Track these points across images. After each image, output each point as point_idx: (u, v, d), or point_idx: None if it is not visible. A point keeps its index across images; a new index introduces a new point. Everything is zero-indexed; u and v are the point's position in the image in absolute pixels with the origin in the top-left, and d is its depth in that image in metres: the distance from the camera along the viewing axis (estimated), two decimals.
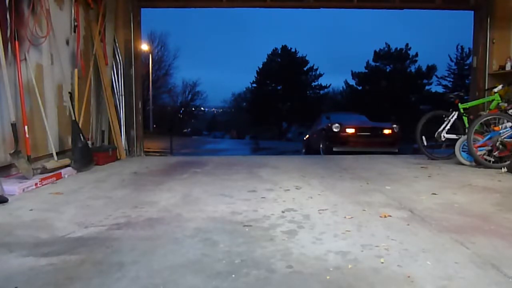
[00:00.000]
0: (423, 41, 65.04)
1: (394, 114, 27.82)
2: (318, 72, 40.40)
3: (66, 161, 4.14)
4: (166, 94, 38.63)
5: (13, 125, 3.41)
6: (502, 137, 4.52)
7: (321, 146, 9.15)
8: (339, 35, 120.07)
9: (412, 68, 35.39)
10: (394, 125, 9.06)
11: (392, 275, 1.59)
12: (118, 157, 5.42)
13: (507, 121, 4.60)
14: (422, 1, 6.75)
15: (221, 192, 3.20)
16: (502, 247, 1.92)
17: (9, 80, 3.41)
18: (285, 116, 39.92)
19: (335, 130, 8.62)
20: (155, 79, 33.70)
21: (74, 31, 4.86)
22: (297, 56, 40.09)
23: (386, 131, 8.90)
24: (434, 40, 72.09)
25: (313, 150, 9.94)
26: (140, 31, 6.29)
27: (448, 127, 5.23)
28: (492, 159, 4.56)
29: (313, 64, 40.19)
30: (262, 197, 3.00)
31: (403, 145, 9.01)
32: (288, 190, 3.29)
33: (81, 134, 4.43)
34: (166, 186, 3.48)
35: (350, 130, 8.66)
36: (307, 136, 12.21)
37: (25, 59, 3.77)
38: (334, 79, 62.90)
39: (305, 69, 40.08)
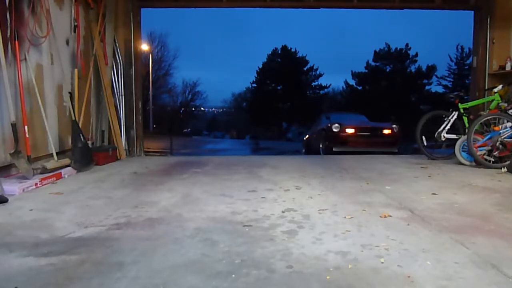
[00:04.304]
0: (423, 41, 65.06)
1: (394, 114, 27.83)
2: (318, 72, 40.46)
3: (66, 161, 4.14)
4: (166, 94, 38.70)
5: (13, 125, 3.41)
6: (502, 137, 4.51)
7: (321, 146, 9.14)
8: (339, 35, 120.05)
9: (412, 68, 35.43)
10: (394, 125, 9.06)
11: (392, 275, 1.59)
12: (118, 157, 5.42)
13: (507, 121, 4.60)
14: (422, 1, 6.75)
15: (221, 192, 3.20)
16: (502, 247, 1.92)
17: (9, 80, 3.41)
18: (285, 116, 39.92)
19: (334, 130, 8.62)
20: (155, 79, 33.69)
21: (74, 31, 4.86)
22: (297, 56, 40.09)
23: (386, 131, 8.89)
24: (434, 40, 72.17)
25: (313, 150, 9.93)
26: (140, 31, 6.30)
27: (448, 127, 5.23)
28: (492, 159, 4.56)
29: (313, 64, 40.27)
30: (262, 197, 3.00)
31: (403, 145, 9.00)
32: (288, 190, 3.29)
33: (81, 134, 4.43)
34: (166, 186, 3.48)
35: (350, 130, 8.66)
36: (307, 136, 12.21)
37: (25, 59, 3.77)
38: (334, 79, 62.96)
39: (305, 69, 40.08)
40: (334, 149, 8.33)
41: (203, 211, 2.60)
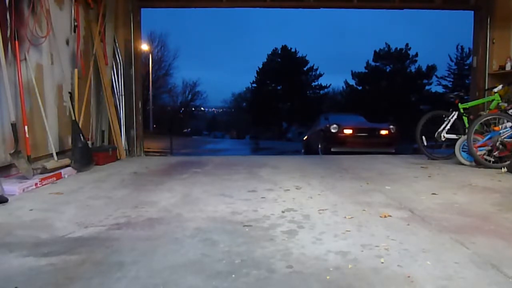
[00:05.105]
0: (423, 41, 65.10)
1: (394, 114, 27.84)
2: (318, 72, 40.46)
3: (66, 161, 4.14)
4: (166, 94, 38.72)
5: (13, 125, 3.41)
6: (502, 137, 4.51)
7: (319, 146, 9.18)
8: (339, 35, 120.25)
9: (412, 68, 35.42)
10: (391, 126, 9.12)
11: (392, 275, 1.59)
12: (118, 157, 5.42)
13: (507, 121, 4.60)
14: (422, 1, 6.75)
15: (221, 192, 3.20)
16: (502, 247, 1.92)
17: (9, 80, 3.41)
18: (285, 116, 39.93)
19: (333, 130, 8.67)
20: (155, 79, 33.69)
21: (74, 31, 4.86)
22: (297, 56, 40.09)
23: (383, 132, 8.94)
24: (434, 40, 72.20)
25: (312, 151, 9.98)
26: (140, 31, 6.29)
27: (448, 127, 5.23)
28: (492, 159, 4.56)
29: (313, 64, 40.26)
30: (262, 197, 3.00)
31: (403, 145, 9.03)
32: (288, 190, 3.29)
33: (81, 134, 4.43)
34: (166, 186, 3.48)
35: (348, 131, 8.71)
36: (306, 136, 12.25)
37: (25, 59, 3.77)
38: (334, 79, 62.88)
39: (305, 69, 40.07)
40: (332, 150, 8.37)
41: (203, 211, 2.60)
